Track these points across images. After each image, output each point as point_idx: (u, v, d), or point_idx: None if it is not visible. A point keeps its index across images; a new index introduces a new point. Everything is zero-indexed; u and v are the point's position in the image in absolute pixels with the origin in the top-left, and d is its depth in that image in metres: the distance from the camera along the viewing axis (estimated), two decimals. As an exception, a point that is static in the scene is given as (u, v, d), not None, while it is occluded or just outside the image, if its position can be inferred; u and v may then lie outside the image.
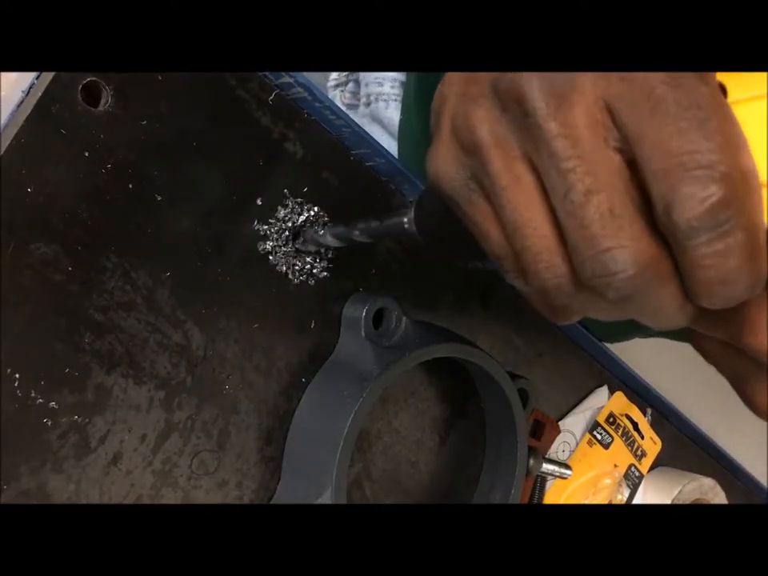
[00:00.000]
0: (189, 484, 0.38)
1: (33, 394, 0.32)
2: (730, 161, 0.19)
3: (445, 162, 0.24)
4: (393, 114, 0.74)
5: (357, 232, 0.35)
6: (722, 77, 0.21)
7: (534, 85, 0.21)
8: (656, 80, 0.20)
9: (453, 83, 0.25)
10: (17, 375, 0.32)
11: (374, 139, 0.41)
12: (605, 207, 0.20)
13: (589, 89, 0.20)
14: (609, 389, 0.60)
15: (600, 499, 0.59)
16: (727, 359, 0.26)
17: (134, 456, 0.35)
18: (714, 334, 0.24)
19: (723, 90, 0.21)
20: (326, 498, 0.36)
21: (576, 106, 0.21)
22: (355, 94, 0.78)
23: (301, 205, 0.40)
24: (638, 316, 0.22)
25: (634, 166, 0.21)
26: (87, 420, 0.34)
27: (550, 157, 0.21)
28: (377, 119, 0.75)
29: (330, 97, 0.78)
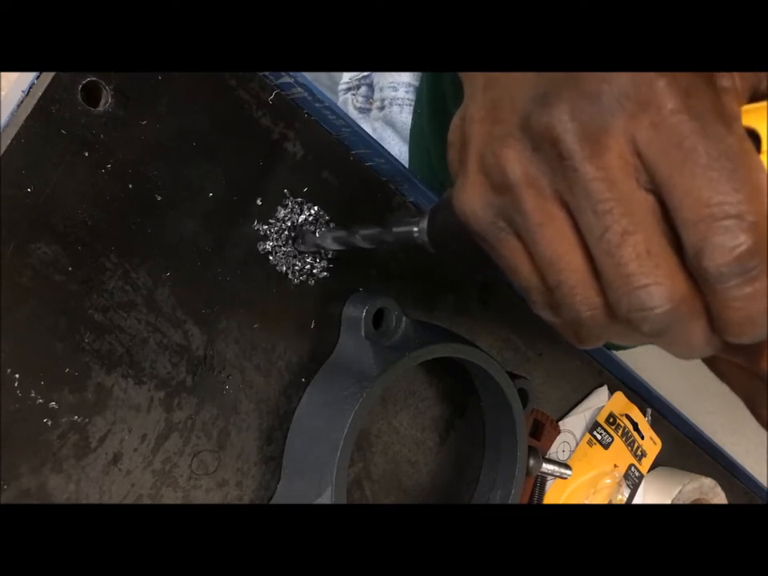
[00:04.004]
0: (189, 484, 0.38)
1: (33, 394, 0.32)
2: (758, 210, 0.20)
3: (473, 201, 0.25)
4: (406, 118, 0.75)
5: (359, 237, 0.35)
6: (754, 125, 0.21)
7: (568, 128, 0.21)
8: (686, 129, 0.20)
9: (475, 121, 0.25)
10: (17, 375, 0.32)
11: (373, 139, 0.41)
12: (641, 247, 0.21)
13: (620, 132, 0.21)
14: (609, 389, 0.60)
15: (600, 499, 0.59)
16: (742, 381, 0.27)
17: (134, 456, 0.35)
18: (732, 359, 0.25)
19: (758, 139, 0.21)
20: (325, 498, 0.36)
21: (610, 149, 0.21)
22: (368, 97, 0.79)
23: (301, 205, 0.40)
24: (668, 347, 0.23)
25: (663, 204, 0.21)
26: (87, 420, 0.34)
27: (587, 198, 0.22)
28: (390, 123, 0.76)
29: (341, 100, 0.79)
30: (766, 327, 0.21)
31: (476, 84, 0.26)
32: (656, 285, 0.21)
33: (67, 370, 0.33)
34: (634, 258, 0.21)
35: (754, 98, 0.22)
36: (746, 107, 0.21)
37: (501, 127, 0.24)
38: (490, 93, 0.25)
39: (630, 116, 0.21)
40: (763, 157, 0.21)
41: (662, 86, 0.20)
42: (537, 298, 0.25)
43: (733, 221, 0.20)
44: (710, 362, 0.28)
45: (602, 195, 0.21)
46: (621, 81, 0.21)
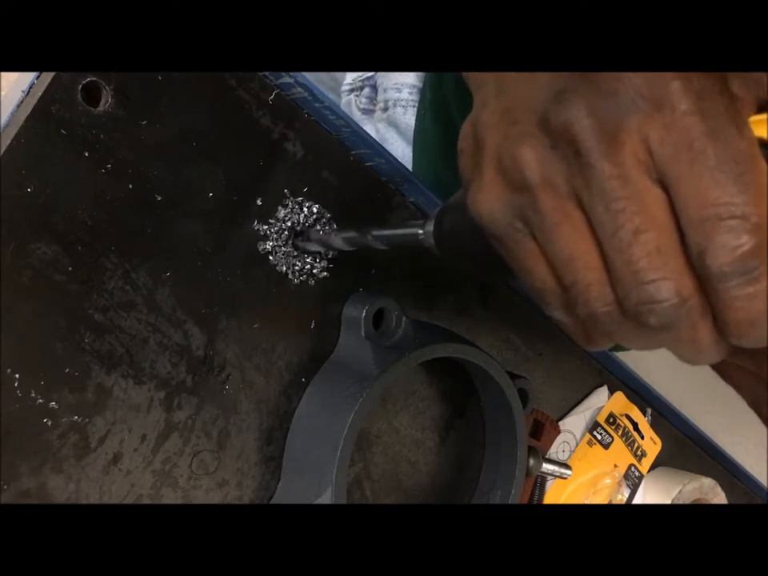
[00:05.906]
0: (189, 484, 0.38)
1: (33, 394, 0.32)
2: (762, 212, 0.20)
3: (490, 203, 0.25)
4: (410, 119, 0.75)
5: (370, 237, 0.35)
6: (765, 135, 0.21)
7: (585, 125, 0.22)
8: (697, 131, 0.20)
9: (489, 126, 0.25)
10: (17, 375, 0.32)
11: (373, 139, 0.41)
12: (652, 245, 0.21)
13: (635, 130, 0.21)
14: (609, 389, 0.60)
15: (600, 499, 0.59)
16: (749, 384, 0.28)
17: (134, 456, 0.35)
18: (739, 363, 0.26)
19: None
20: (325, 498, 0.36)
21: (625, 146, 0.21)
22: (371, 99, 0.79)
23: (301, 205, 0.40)
24: (676, 347, 0.23)
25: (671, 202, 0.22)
26: (87, 420, 0.34)
27: (601, 195, 0.22)
28: (393, 125, 0.76)
29: (344, 102, 0.79)
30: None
31: (487, 92, 0.26)
32: (664, 280, 0.21)
33: (67, 370, 0.33)
34: (644, 256, 0.21)
35: (760, 109, 0.22)
36: (753, 118, 0.22)
37: (517, 127, 0.24)
38: (502, 98, 0.25)
39: (644, 115, 0.21)
40: None
41: (675, 88, 0.20)
42: (551, 299, 0.25)
43: (737, 221, 0.20)
44: (716, 365, 0.28)
45: (617, 193, 0.21)
46: (636, 80, 0.21)
